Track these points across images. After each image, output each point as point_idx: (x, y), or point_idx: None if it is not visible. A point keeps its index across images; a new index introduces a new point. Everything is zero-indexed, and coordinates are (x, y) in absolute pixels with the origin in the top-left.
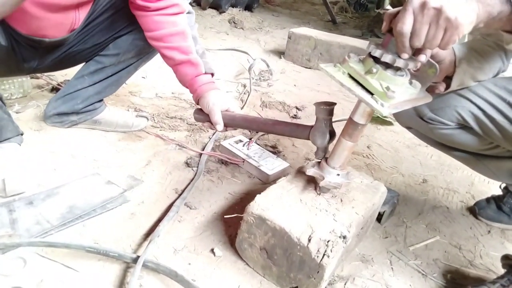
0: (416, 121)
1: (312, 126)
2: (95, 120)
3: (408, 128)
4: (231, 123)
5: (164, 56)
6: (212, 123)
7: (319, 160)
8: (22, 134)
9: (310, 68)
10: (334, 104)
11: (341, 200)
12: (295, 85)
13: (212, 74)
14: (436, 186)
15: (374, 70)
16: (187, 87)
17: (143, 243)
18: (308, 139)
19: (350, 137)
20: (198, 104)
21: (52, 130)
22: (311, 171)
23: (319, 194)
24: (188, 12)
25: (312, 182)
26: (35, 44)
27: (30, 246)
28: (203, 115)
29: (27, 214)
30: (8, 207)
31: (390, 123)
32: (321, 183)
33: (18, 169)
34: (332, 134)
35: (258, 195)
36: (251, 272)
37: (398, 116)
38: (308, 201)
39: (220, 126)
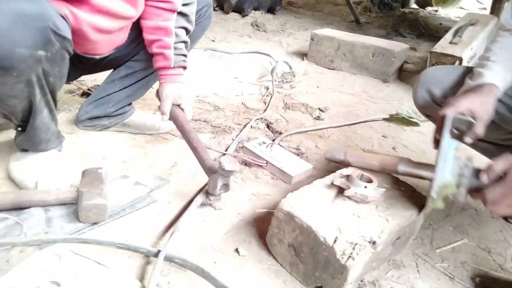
0: (432, 107)
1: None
2: (125, 123)
3: (428, 116)
4: (173, 120)
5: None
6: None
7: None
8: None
9: (333, 69)
10: None
11: (377, 207)
12: (318, 87)
13: (184, 68)
14: None
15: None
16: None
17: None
18: None
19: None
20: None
21: (83, 133)
22: (337, 181)
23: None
24: (189, 4)
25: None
26: (85, 60)
27: (64, 242)
28: (158, 98)
29: (61, 213)
30: (44, 207)
31: (416, 124)
32: (346, 193)
33: (52, 172)
34: None
35: (290, 193)
36: (275, 272)
37: (416, 102)
38: (340, 204)
39: (165, 117)
